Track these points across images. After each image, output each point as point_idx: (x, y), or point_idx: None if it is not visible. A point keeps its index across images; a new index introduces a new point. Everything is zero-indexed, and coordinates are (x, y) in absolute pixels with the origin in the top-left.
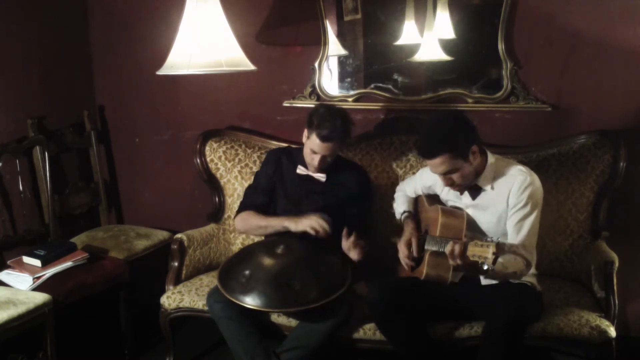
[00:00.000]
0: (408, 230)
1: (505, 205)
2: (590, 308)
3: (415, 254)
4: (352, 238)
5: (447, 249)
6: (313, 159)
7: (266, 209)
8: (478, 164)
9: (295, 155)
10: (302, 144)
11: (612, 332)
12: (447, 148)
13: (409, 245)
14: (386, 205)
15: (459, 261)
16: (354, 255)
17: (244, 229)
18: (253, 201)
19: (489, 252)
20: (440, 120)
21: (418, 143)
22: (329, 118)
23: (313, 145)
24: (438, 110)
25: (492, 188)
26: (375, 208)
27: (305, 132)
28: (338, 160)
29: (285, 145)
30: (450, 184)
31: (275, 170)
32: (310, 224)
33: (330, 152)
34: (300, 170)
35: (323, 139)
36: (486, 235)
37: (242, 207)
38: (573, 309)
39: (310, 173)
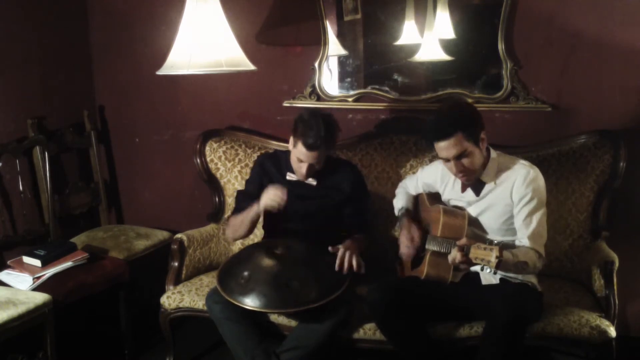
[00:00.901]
0: (407, 223)
1: (509, 200)
2: (590, 308)
3: (417, 243)
4: (340, 251)
5: (450, 257)
6: (300, 167)
7: None
8: (485, 155)
9: (284, 160)
10: None
11: (612, 332)
12: (461, 127)
13: (410, 236)
14: (386, 205)
15: (464, 266)
16: (354, 265)
17: (232, 235)
18: (238, 209)
19: (492, 256)
20: (452, 106)
21: (429, 127)
22: (314, 125)
23: (299, 154)
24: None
25: (496, 183)
26: (375, 208)
27: (291, 140)
28: (328, 160)
29: (278, 148)
30: (461, 170)
31: (263, 177)
32: (266, 201)
33: (317, 160)
34: (290, 176)
35: (309, 147)
36: (488, 234)
37: (231, 214)
38: (573, 309)
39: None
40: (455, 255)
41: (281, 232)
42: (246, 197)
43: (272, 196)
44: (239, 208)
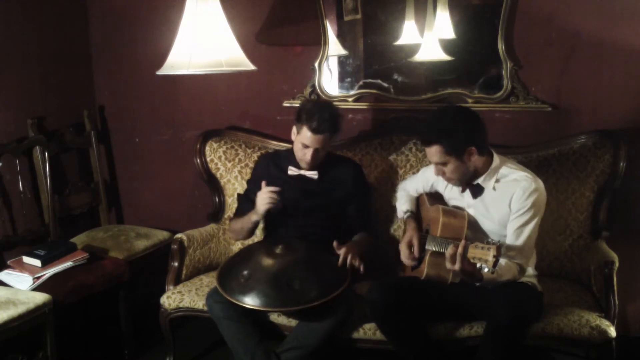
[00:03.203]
0: (410, 229)
1: (507, 209)
2: (590, 308)
3: (416, 254)
4: (342, 250)
5: (448, 251)
6: (305, 154)
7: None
8: (478, 164)
9: (285, 157)
10: None
11: (612, 332)
12: (443, 141)
13: (410, 245)
14: (386, 205)
15: (458, 264)
16: (354, 262)
17: (234, 237)
18: (240, 210)
19: (490, 255)
20: (445, 111)
21: (419, 128)
22: (317, 110)
23: (304, 139)
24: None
25: (494, 189)
26: (375, 208)
27: (294, 129)
28: (330, 156)
29: (278, 148)
30: (440, 174)
31: (264, 176)
32: (261, 205)
33: (321, 145)
34: (292, 170)
35: (314, 131)
36: (488, 236)
37: (233, 216)
38: (573, 309)
39: (302, 172)
40: (452, 250)
41: (283, 228)
42: (247, 200)
43: (266, 199)
44: (240, 211)
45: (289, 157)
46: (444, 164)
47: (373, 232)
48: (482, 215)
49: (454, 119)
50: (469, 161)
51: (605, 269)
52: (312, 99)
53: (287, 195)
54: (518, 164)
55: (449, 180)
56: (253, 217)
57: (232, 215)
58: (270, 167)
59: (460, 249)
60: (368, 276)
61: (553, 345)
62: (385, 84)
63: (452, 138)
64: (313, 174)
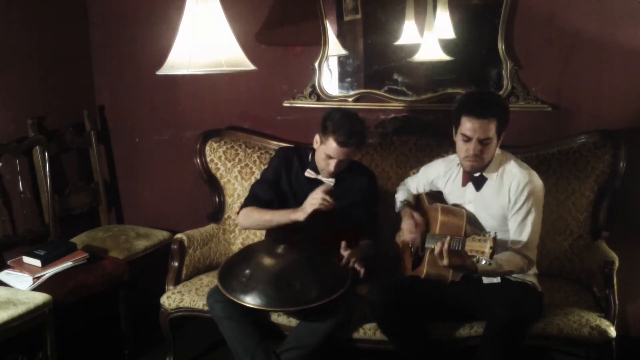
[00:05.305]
0: (409, 212)
1: (505, 201)
2: (590, 308)
3: (421, 227)
4: (348, 252)
5: (436, 248)
6: (329, 164)
7: (271, 205)
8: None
9: (306, 157)
10: (308, 144)
11: (612, 332)
12: (500, 116)
13: (413, 222)
14: (386, 206)
15: (445, 260)
16: (357, 266)
17: (247, 224)
18: (257, 196)
19: (486, 247)
20: (497, 94)
21: (471, 99)
22: (346, 122)
23: (329, 150)
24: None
25: (496, 180)
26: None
27: (318, 138)
28: (349, 164)
29: (289, 145)
30: (477, 153)
31: (283, 169)
32: (314, 203)
33: (347, 157)
34: (309, 173)
35: (342, 144)
36: (485, 231)
37: (246, 203)
38: (573, 309)
39: (320, 177)
40: (438, 247)
41: (286, 228)
42: (265, 187)
43: (318, 201)
44: (256, 198)
45: (308, 157)
46: (488, 141)
47: (378, 239)
48: (482, 210)
49: (507, 105)
50: (497, 146)
51: (605, 269)
52: (338, 108)
53: (298, 195)
54: (515, 158)
55: (478, 162)
56: (294, 215)
57: (241, 205)
58: (292, 162)
59: (445, 245)
60: (369, 277)
61: (553, 345)
62: (385, 84)
63: (505, 120)
64: (330, 181)
